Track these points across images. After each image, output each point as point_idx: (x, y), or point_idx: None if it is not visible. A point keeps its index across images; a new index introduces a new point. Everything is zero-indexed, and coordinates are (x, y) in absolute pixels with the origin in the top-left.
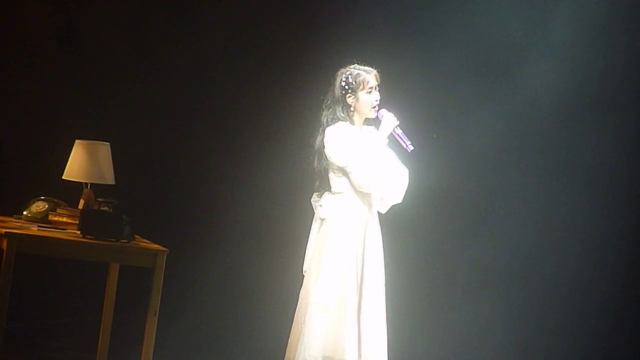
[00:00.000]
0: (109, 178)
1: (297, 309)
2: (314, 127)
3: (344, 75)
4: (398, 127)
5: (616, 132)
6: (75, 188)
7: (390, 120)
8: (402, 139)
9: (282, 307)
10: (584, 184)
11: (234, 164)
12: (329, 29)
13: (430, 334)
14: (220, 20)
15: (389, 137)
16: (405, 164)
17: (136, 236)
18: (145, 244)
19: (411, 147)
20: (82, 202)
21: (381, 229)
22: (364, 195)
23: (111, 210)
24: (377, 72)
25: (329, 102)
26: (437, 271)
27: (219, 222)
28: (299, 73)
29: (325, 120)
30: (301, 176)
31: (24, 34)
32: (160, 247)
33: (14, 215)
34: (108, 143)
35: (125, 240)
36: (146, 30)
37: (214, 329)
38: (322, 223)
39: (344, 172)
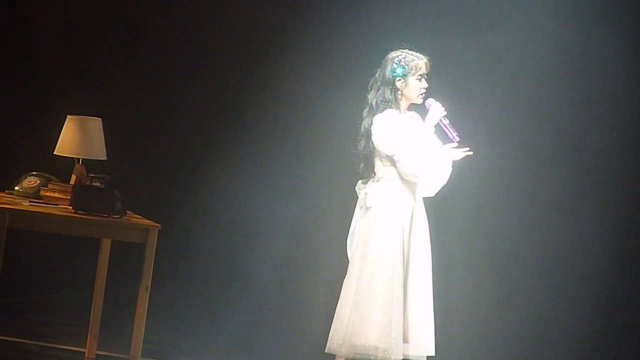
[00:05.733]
0: (101, 153)
1: (340, 298)
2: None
3: (397, 58)
4: (445, 117)
5: None
6: (67, 163)
7: (437, 110)
8: (448, 129)
9: (270, 277)
10: None
11: (226, 138)
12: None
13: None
14: None
15: (435, 126)
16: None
17: (128, 212)
18: (137, 220)
19: (457, 138)
20: (73, 177)
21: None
22: (409, 184)
23: (103, 185)
24: (428, 60)
25: (378, 83)
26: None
27: (210, 196)
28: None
29: (374, 103)
30: (289, 144)
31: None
32: (152, 223)
33: (6, 191)
34: (100, 118)
35: (117, 216)
36: (139, 5)
37: (206, 303)
38: (367, 211)
39: (391, 160)
